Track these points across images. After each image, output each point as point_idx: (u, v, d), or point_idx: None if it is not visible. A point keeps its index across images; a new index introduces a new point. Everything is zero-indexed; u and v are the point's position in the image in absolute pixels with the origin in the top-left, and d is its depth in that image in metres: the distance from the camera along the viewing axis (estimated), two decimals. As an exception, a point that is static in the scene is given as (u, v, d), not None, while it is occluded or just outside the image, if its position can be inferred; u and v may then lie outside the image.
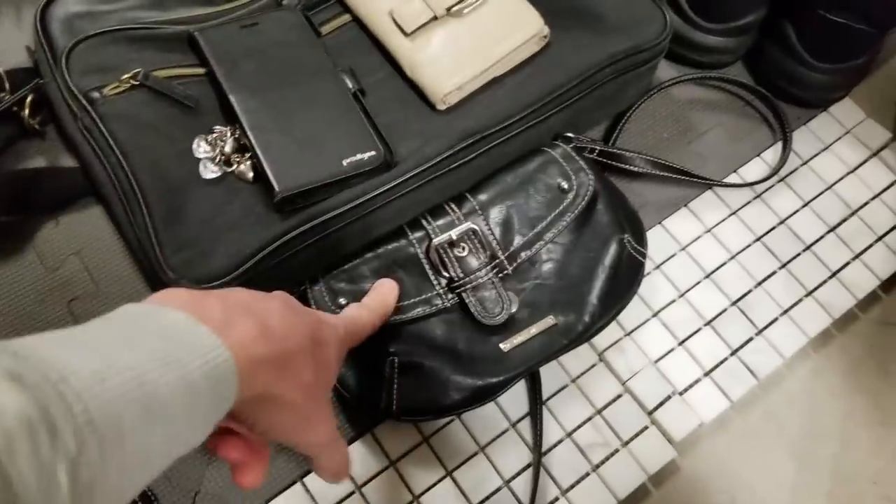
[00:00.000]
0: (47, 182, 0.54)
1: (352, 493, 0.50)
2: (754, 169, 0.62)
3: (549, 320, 0.50)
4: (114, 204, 0.51)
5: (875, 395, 0.57)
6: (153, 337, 0.26)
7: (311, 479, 0.50)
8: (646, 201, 0.60)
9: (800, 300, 0.57)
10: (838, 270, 0.59)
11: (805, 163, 0.62)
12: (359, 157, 0.49)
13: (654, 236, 0.58)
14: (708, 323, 0.56)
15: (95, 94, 0.49)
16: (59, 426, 0.20)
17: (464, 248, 0.50)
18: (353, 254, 0.51)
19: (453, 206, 0.52)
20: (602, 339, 0.54)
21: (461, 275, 0.49)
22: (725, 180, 0.61)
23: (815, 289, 0.58)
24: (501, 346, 0.50)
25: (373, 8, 0.54)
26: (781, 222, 0.60)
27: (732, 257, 0.58)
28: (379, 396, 0.48)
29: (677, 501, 0.52)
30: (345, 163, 0.49)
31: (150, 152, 0.49)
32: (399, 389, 0.48)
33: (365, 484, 0.50)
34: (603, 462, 0.52)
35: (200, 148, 0.50)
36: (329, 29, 0.55)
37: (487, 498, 0.50)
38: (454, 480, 0.50)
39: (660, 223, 0.59)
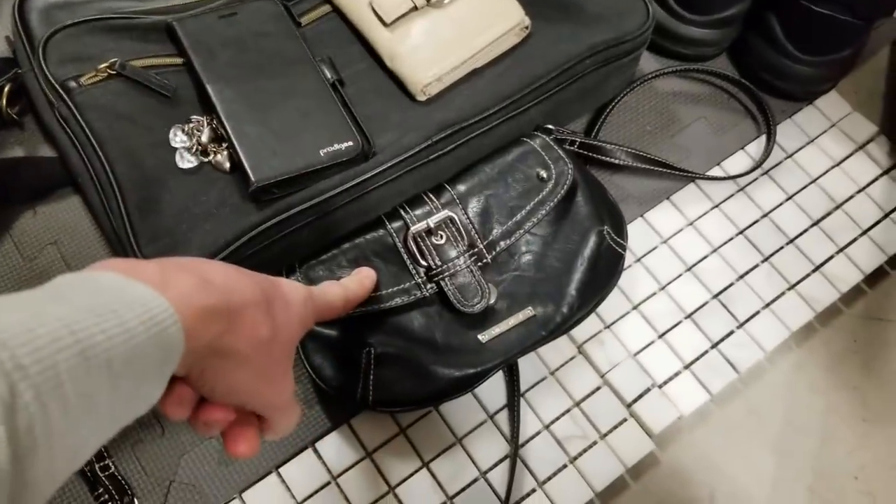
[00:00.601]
0: (25, 172, 0.54)
1: (327, 484, 0.49)
2: (738, 162, 0.61)
3: (528, 311, 0.50)
4: (90, 193, 0.51)
5: (857, 390, 0.56)
6: (85, 294, 0.26)
7: (287, 469, 0.50)
8: (628, 194, 0.59)
9: (782, 294, 0.57)
10: (822, 264, 0.58)
11: (790, 156, 0.62)
12: (336, 147, 0.49)
13: (635, 229, 0.58)
14: (688, 316, 0.56)
15: (72, 84, 0.49)
16: None
17: (441, 237, 0.50)
18: (330, 244, 0.50)
19: (431, 196, 0.51)
20: (581, 331, 0.54)
21: (439, 263, 0.49)
22: (708, 173, 0.60)
23: (798, 282, 0.58)
24: (479, 337, 0.50)
25: (352, -2, 0.54)
26: (765, 215, 0.60)
27: (714, 250, 0.58)
28: (356, 387, 0.48)
29: (656, 494, 0.52)
30: (322, 153, 0.49)
31: (127, 141, 0.49)
32: (375, 380, 0.48)
33: (341, 474, 0.50)
34: (580, 454, 0.51)
35: (177, 137, 0.50)
36: (309, 19, 0.55)
37: (464, 489, 0.50)
38: (430, 471, 0.50)
39: (641, 216, 0.59)
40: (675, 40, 0.63)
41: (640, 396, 0.53)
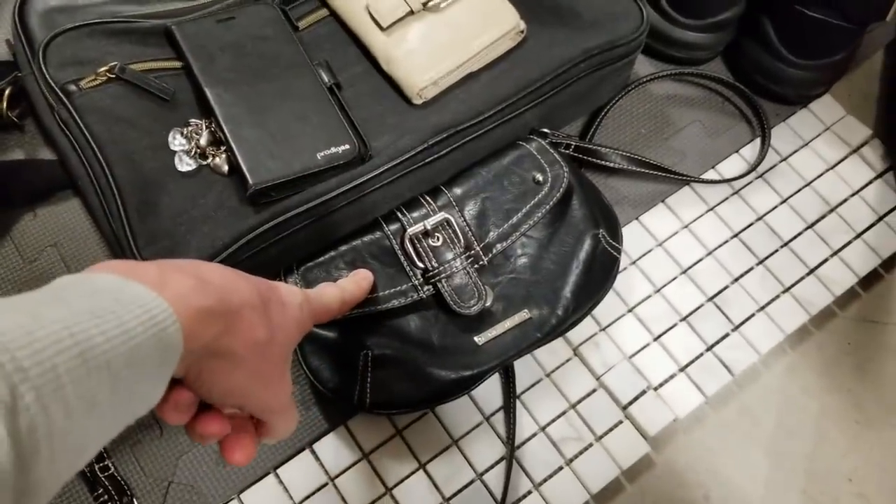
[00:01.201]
0: (25, 174, 0.54)
1: (325, 485, 0.50)
2: (732, 165, 0.62)
3: (524, 314, 0.50)
4: (90, 196, 0.51)
5: (851, 393, 0.57)
6: (84, 296, 0.26)
7: (285, 470, 0.50)
8: (623, 197, 0.60)
9: (777, 297, 0.58)
10: (816, 267, 0.59)
11: (784, 159, 0.63)
12: (333, 150, 0.50)
13: (630, 232, 0.58)
14: (684, 319, 0.56)
15: (72, 87, 0.50)
16: None
17: (438, 239, 0.50)
18: (327, 246, 0.51)
19: (428, 198, 0.52)
20: (577, 333, 0.55)
21: (435, 265, 0.50)
22: (703, 176, 0.61)
23: (793, 285, 0.58)
24: (476, 339, 0.50)
25: (350, 2, 0.54)
26: (759, 219, 0.60)
27: (709, 253, 0.59)
28: (353, 389, 0.49)
29: (651, 496, 0.52)
30: (319, 156, 0.49)
31: (126, 145, 0.49)
32: (372, 382, 0.48)
33: (338, 476, 0.50)
34: (576, 456, 0.52)
35: (176, 141, 0.50)
36: (306, 23, 0.55)
37: (460, 491, 0.50)
38: (427, 473, 0.50)
39: (636, 219, 0.59)
40: (670, 44, 0.63)
41: (636, 399, 0.53)
